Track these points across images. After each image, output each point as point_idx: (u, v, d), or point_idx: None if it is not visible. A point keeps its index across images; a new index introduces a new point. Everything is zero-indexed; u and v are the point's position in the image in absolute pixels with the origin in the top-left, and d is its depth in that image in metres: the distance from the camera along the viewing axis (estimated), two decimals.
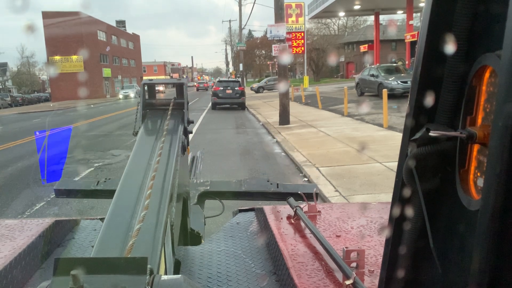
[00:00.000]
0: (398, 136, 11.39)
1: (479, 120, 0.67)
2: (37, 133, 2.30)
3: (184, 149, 2.02)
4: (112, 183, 2.65)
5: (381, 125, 13.41)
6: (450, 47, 0.68)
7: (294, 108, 19.59)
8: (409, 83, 21.88)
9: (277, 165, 9.67)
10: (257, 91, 47.80)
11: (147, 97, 2.21)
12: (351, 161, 8.88)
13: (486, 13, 0.64)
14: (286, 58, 16.59)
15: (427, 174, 0.74)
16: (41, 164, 2.25)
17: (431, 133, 0.69)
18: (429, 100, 0.73)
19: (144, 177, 1.40)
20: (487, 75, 0.65)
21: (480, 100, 0.67)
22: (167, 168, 1.52)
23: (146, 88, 2.21)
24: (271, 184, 2.73)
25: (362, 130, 13.07)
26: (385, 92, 14.17)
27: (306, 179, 8.02)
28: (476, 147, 0.67)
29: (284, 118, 16.11)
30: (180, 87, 2.22)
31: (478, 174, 0.66)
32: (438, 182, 0.75)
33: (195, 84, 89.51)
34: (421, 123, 0.73)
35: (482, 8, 0.65)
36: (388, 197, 5.78)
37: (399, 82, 21.37)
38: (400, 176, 0.78)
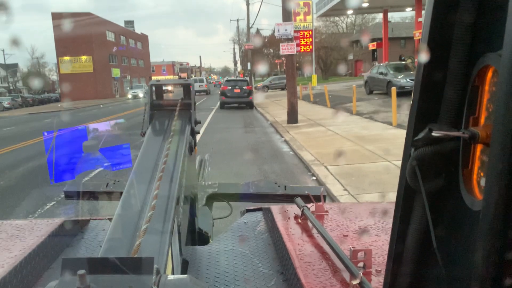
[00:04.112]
0: None
1: (482, 120, 0.67)
2: (46, 133, 2.29)
3: (191, 149, 2.02)
4: (121, 185, 2.62)
5: (390, 123, 13.33)
6: (452, 47, 0.68)
7: (303, 107, 19.55)
8: None
9: (286, 164, 9.66)
10: (262, 90, 46.93)
11: (154, 98, 2.21)
12: (360, 159, 8.85)
13: (488, 13, 0.64)
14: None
15: (430, 174, 0.74)
16: (55, 164, 2.25)
17: (434, 133, 0.69)
18: (431, 100, 0.72)
19: (151, 177, 1.40)
20: (489, 74, 0.65)
21: (483, 100, 0.67)
22: (174, 169, 1.52)
23: (153, 89, 2.20)
24: (279, 186, 2.75)
25: (371, 129, 13.00)
26: (394, 90, 14.07)
27: (314, 178, 8.00)
28: (479, 147, 0.67)
29: (293, 117, 16.07)
30: (187, 88, 2.22)
31: (481, 174, 0.66)
32: (441, 182, 0.75)
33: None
34: (424, 123, 0.72)
35: (484, 8, 0.65)
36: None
37: (408, 80, 21.21)
38: (404, 177, 0.78)
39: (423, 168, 0.73)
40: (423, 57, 0.71)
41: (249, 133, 15.30)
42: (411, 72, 22.43)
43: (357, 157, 9.12)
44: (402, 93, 19.73)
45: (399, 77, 21.69)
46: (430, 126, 0.71)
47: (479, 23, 0.66)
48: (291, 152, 10.91)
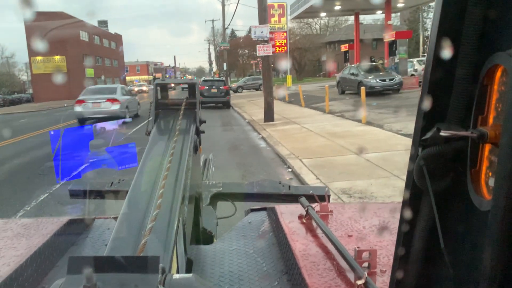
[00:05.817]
0: (375, 131, 12.23)
1: (491, 120, 0.66)
2: (52, 132, 2.46)
3: (196, 148, 2.04)
4: (126, 184, 2.62)
5: (360, 121, 14.25)
6: (461, 45, 0.68)
7: (278, 106, 20.31)
8: (387, 81, 22.95)
9: (264, 158, 10.40)
10: (236, 90, 46.13)
11: (159, 97, 2.23)
12: (332, 153, 9.66)
13: (497, 12, 0.63)
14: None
15: (438, 174, 0.74)
16: (57, 164, 2.30)
17: (442, 133, 0.68)
18: (439, 99, 0.72)
19: (156, 176, 1.41)
20: (498, 74, 0.64)
21: (492, 100, 0.66)
22: (179, 168, 1.53)
23: (158, 88, 2.22)
24: (283, 186, 2.79)
25: (342, 126, 13.87)
26: (363, 90, 15.06)
27: (290, 169, 8.75)
28: (487, 147, 0.66)
29: (269, 116, 16.81)
30: (192, 87, 2.29)
31: (490, 174, 0.65)
32: (449, 182, 0.74)
33: None
34: (431, 123, 0.72)
35: (493, 7, 0.64)
36: (363, 183, 6.70)
37: (378, 80, 22.41)
38: (411, 176, 0.77)
39: (430, 168, 0.72)
40: (432, 56, 0.71)
41: (228, 131, 15.95)
42: (381, 73, 23.60)
43: (329, 151, 9.93)
44: (372, 93, 20.93)
45: (369, 77, 22.80)
46: (438, 125, 0.70)
47: (488, 22, 0.65)
48: (268, 148, 11.64)
